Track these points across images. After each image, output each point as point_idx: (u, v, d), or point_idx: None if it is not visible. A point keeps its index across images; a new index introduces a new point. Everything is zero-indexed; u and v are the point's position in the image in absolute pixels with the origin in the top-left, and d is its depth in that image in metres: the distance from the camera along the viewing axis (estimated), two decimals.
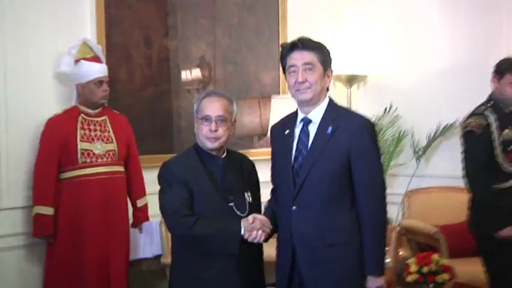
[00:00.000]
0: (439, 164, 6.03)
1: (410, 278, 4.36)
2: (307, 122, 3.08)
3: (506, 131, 4.34)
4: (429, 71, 6.15)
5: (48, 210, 4.40)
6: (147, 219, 4.86)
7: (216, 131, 3.19)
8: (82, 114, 4.56)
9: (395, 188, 6.11)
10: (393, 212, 5.75)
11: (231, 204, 3.24)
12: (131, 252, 4.72)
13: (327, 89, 3.15)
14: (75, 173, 4.48)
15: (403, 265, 4.50)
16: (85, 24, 4.91)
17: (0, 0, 4.43)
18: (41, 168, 4.45)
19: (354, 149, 2.96)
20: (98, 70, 4.56)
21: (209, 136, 3.20)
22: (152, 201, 4.59)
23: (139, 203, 4.82)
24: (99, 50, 4.67)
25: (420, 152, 6.13)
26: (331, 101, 3.12)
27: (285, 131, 3.17)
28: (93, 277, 4.47)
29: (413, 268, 4.35)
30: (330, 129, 3.01)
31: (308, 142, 3.07)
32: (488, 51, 5.55)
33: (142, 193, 4.85)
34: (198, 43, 5.67)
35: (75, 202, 4.46)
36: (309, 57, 3.02)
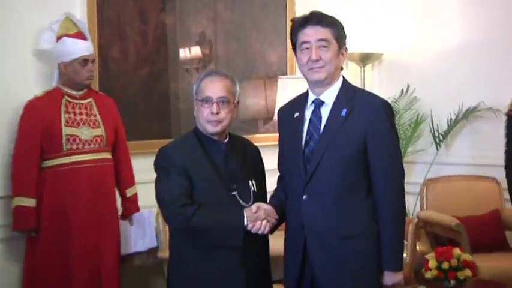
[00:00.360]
0: (461, 150, 6.03)
1: (429, 274, 4.33)
2: (319, 103, 3.04)
3: None
4: (450, 49, 6.07)
5: (29, 202, 4.35)
6: (138, 210, 4.86)
7: (217, 113, 3.16)
8: (66, 97, 4.53)
9: (413, 176, 6.11)
10: (410, 202, 5.77)
11: (234, 193, 3.22)
12: (122, 247, 4.71)
13: (341, 68, 3.12)
14: (60, 161, 4.43)
15: (422, 260, 4.51)
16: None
17: None
18: (20, 156, 4.43)
19: (370, 131, 2.91)
20: (83, 48, 4.54)
21: (210, 119, 3.16)
22: (144, 191, 4.63)
23: (129, 192, 4.82)
24: (84, 25, 4.68)
25: (440, 138, 6.10)
26: (345, 81, 3.09)
27: (294, 113, 3.13)
28: (82, 276, 4.44)
29: (432, 263, 4.32)
30: (344, 111, 2.97)
31: (320, 125, 3.03)
32: None
33: (132, 182, 4.87)
34: (198, 18, 5.65)
35: (60, 193, 4.42)
36: (324, 33, 2.97)
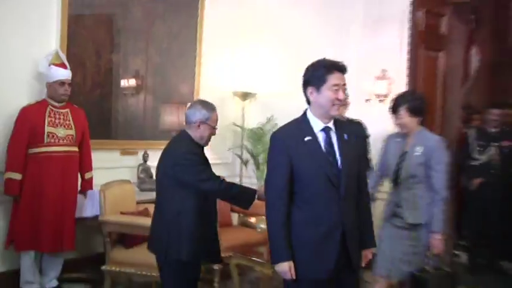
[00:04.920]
0: None
1: None
2: (329, 130, 2.86)
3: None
4: (300, 92, 6.11)
5: (17, 176, 4.46)
6: (92, 188, 4.93)
7: None
8: (50, 106, 4.60)
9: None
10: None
11: None
12: (77, 212, 4.80)
13: None
14: (41, 150, 4.52)
15: None
16: (52, 37, 4.95)
17: None
18: (14, 144, 4.49)
19: (361, 151, 2.96)
20: (62, 74, 4.63)
21: (211, 136, 3.46)
22: (95, 175, 4.91)
23: (87, 175, 4.91)
24: (65, 58, 4.73)
25: None
26: None
27: (305, 137, 2.85)
28: (50, 229, 4.55)
29: None
30: (345, 136, 2.86)
31: (333, 147, 2.83)
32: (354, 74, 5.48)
33: (90, 168, 4.93)
34: (135, 59, 5.76)
35: (39, 171, 4.50)
36: (345, 80, 2.86)
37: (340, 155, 2.81)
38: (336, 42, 6.05)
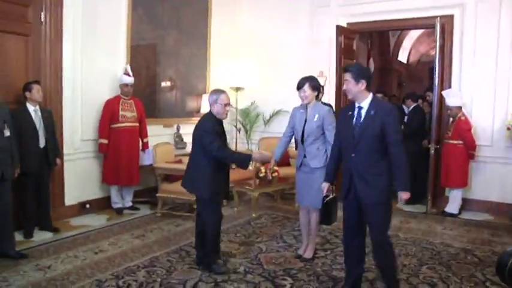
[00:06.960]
0: (275, 127, 6.30)
1: (261, 174, 4.61)
2: (360, 108, 2.81)
3: None
4: (272, 86, 6.45)
5: (105, 141, 4.82)
6: (148, 147, 5.19)
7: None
8: (122, 98, 4.94)
9: (256, 137, 6.54)
10: (255, 148, 6.21)
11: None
12: (140, 161, 5.11)
13: (369, 91, 2.81)
14: (118, 125, 4.87)
15: (259, 169, 4.61)
16: (122, 58, 5.18)
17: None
18: (102, 122, 4.81)
19: (385, 122, 2.69)
20: (127, 80, 4.95)
21: (227, 112, 3.29)
22: (150, 140, 5.15)
23: (145, 140, 5.18)
24: (130, 70, 5.03)
25: (266, 122, 6.58)
26: (374, 97, 2.83)
27: (349, 112, 2.85)
28: (124, 172, 4.90)
29: (263, 170, 4.58)
30: (372, 112, 2.74)
31: (360, 119, 2.78)
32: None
33: (146, 135, 5.19)
34: (170, 70, 5.94)
35: (117, 138, 4.84)
36: (346, 76, 2.82)
37: (361, 124, 2.75)
38: (291, 52, 6.41)
